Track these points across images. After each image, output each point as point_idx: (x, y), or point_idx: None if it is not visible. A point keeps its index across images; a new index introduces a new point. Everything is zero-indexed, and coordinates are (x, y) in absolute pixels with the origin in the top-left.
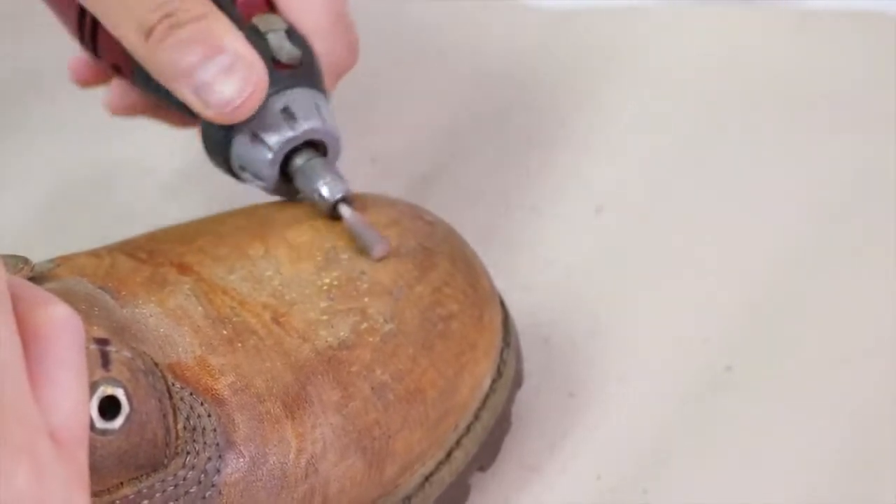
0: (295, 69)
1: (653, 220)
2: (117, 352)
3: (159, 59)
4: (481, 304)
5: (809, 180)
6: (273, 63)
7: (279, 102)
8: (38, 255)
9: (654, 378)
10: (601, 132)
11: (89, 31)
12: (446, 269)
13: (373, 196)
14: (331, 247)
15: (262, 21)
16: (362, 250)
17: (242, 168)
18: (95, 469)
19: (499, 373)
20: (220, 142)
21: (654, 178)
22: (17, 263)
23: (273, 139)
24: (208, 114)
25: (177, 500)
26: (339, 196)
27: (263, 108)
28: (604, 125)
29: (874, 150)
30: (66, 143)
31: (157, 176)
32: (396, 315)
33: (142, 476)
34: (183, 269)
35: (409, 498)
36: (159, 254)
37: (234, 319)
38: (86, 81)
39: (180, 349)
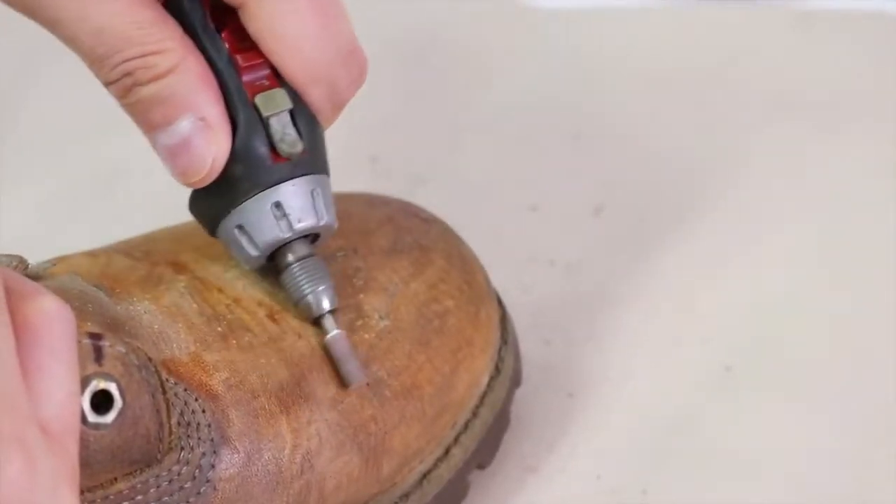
0: (294, 160)
1: (653, 220)
2: (111, 346)
3: (124, 110)
4: (477, 300)
5: (809, 180)
6: (271, 152)
7: (272, 198)
8: (38, 255)
9: (653, 378)
10: (601, 132)
11: None
12: (442, 265)
13: (368, 195)
14: (326, 244)
15: (265, 101)
16: (340, 376)
17: (226, 245)
18: (88, 464)
19: (497, 370)
20: (207, 215)
21: (654, 178)
22: (11, 262)
23: (261, 238)
24: (172, 174)
25: (171, 495)
26: (325, 310)
27: (254, 202)
28: (604, 125)
29: (874, 150)
30: (66, 144)
31: (156, 177)
32: (392, 311)
33: (135, 471)
34: (178, 267)
35: (406, 495)
36: (155, 253)
37: (229, 317)
38: None
39: (174, 345)
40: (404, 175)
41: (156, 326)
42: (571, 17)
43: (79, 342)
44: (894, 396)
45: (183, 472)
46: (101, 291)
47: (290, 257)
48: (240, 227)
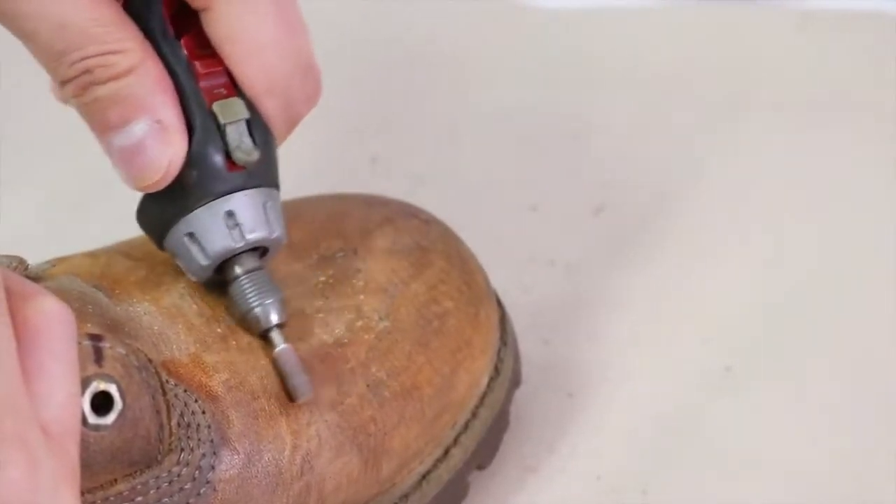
0: (248, 170)
1: (653, 220)
2: (111, 348)
3: (78, 110)
4: (477, 301)
5: (809, 180)
6: (226, 161)
7: (225, 206)
8: (38, 256)
9: (653, 378)
10: (601, 132)
11: None
12: (441, 266)
13: (368, 195)
14: (326, 245)
15: (223, 109)
16: (286, 390)
17: (173, 255)
18: (88, 465)
19: (496, 371)
20: (156, 223)
21: (654, 178)
22: (11, 263)
23: (212, 247)
24: (121, 178)
25: (171, 496)
26: (273, 324)
27: (206, 209)
28: (603, 125)
29: (874, 150)
30: (66, 145)
31: None
32: (392, 312)
33: (136, 472)
34: (178, 268)
35: (406, 496)
36: (155, 254)
37: (228, 318)
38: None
39: (174, 347)
40: (404, 175)
41: (156, 327)
42: (571, 18)
43: (79, 343)
44: (894, 396)
45: (183, 473)
46: (100, 292)
47: (239, 269)
48: (190, 235)
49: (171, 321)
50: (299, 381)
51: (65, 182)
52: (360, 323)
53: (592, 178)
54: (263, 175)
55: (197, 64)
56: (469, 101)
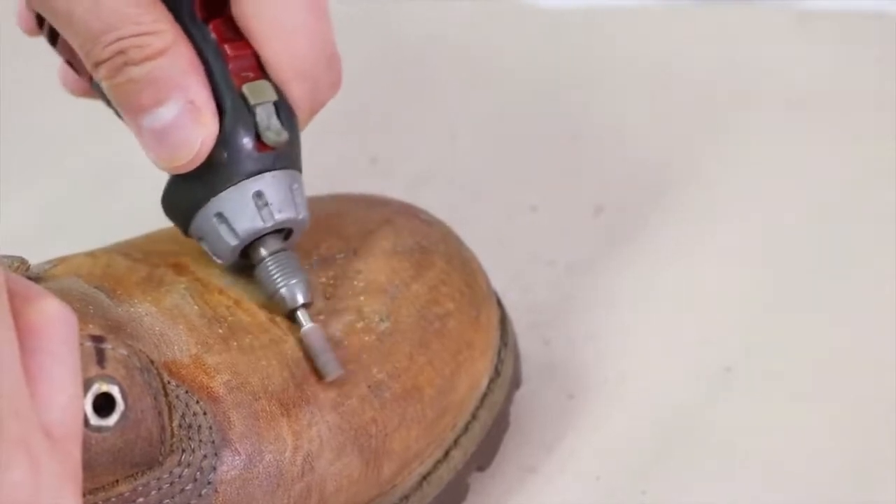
0: (277, 151)
1: (653, 220)
2: (113, 349)
3: (109, 92)
4: (478, 303)
5: (809, 180)
6: (256, 142)
7: (254, 186)
8: (38, 257)
9: (653, 379)
10: (601, 132)
11: (48, 27)
12: (442, 268)
13: (368, 195)
14: (326, 246)
15: (252, 90)
16: (315, 369)
17: (199, 239)
18: (90, 466)
19: (497, 372)
20: (183, 206)
21: (654, 178)
22: (12, 263)
23: (242, 227)
24: (151, 158)
25: (172, 497)
26: (299, 304)
27: (236, 189)
28: (603, 125)
29: (874, 150)
30: (67, 145)
31: (157, 178)
32: (392, 313)
33: (137, 474)
34: (179, 269)
35: (406, 497)
36: (155, 254)
37: (230, 318)
38: (72, 90)
39: (176, 348)
40: (404, 175)
41: (157, 328)
42: (572, 17)
43: (81, 345)
44: (894, 396)
45: (184, 474)
46: (102, 293)
47: (265, 251)
48: (219, 216)
49: (172, 322)
50: (327, 359)
51: (65, 182)
52: (360, 324)
53: (592, 178)
54: (290, 157)
55: (226, 47)
56: (469, 101)
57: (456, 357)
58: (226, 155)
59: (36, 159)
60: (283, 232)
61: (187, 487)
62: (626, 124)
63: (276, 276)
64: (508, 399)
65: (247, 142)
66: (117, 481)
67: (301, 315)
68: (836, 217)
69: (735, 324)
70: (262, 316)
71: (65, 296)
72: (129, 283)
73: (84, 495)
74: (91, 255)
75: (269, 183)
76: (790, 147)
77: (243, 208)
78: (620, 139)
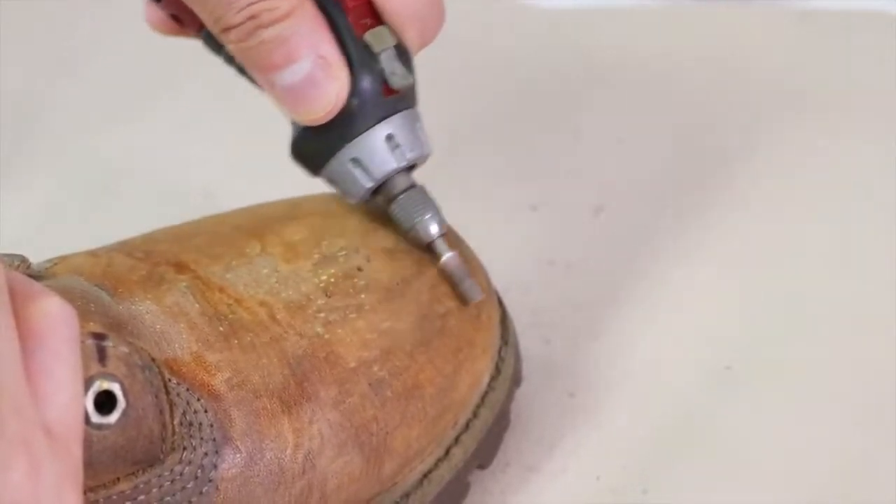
0: (401, 93)
1: (653, 220)
2: (114, 347)
3: (240, 54)
4: (479, 301)
5: (809, 180)
6: (383, 87)
7: (385, 129)
8: (39, 256)
9: (653, 378)
10: (601, 132)
11: None
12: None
13: None
14: (327, 244)
15: (374, 37)
16: (457, 294)
17: (332, 181)
18: (91, 464)
19: (497, 370)
20: (316, 154)
21: (654, 178)
22: (13, 262)
23: (376, 169)
24: (287, 114)
25: (173, 495)
26: (435, 236)
27: (368, 133)
28: (604, 125)
29: (874, 150)
30: (67, 144)
31: (157, 177)
32: (393, 312)
33: (138, 471)
34: (179, 267)
35: (407, 495)
36: (156, 253)
37: (231, 316)
38: (161, 30)
39: (176, 345)
40: None
41: (158, 326)
42: (571, 17)
43: (82, 343)
44: (894, 396)
45: (185, 471)
46: (102, 291)
47: (397, 189)
48: (354, 160)
49: (173, 320)
50: (468, 284)
51: (65, 182)
52: (361, 322)
53: (592, 178)
54: (412, 97)
55: None
56: (469, 101)
57: (457, 355)
58: (356, 103)
59: (37, 159)
60: (410, 168)
61: (188, 485)
62: (626, 124)
63: (411, 212)
64: (509, 397)
65: (375, 88)
66: (118, 479)
67: (438, 245)
68: (837, 216)
69: (735, 324)
70: (263, 314)
71: (66, 294)
72: (129, 282)
73: (85, 493)
74: (92, 253)
75: (398, 125)
76: (790, 147)
77: (377, 151)
78: (620, 139)
